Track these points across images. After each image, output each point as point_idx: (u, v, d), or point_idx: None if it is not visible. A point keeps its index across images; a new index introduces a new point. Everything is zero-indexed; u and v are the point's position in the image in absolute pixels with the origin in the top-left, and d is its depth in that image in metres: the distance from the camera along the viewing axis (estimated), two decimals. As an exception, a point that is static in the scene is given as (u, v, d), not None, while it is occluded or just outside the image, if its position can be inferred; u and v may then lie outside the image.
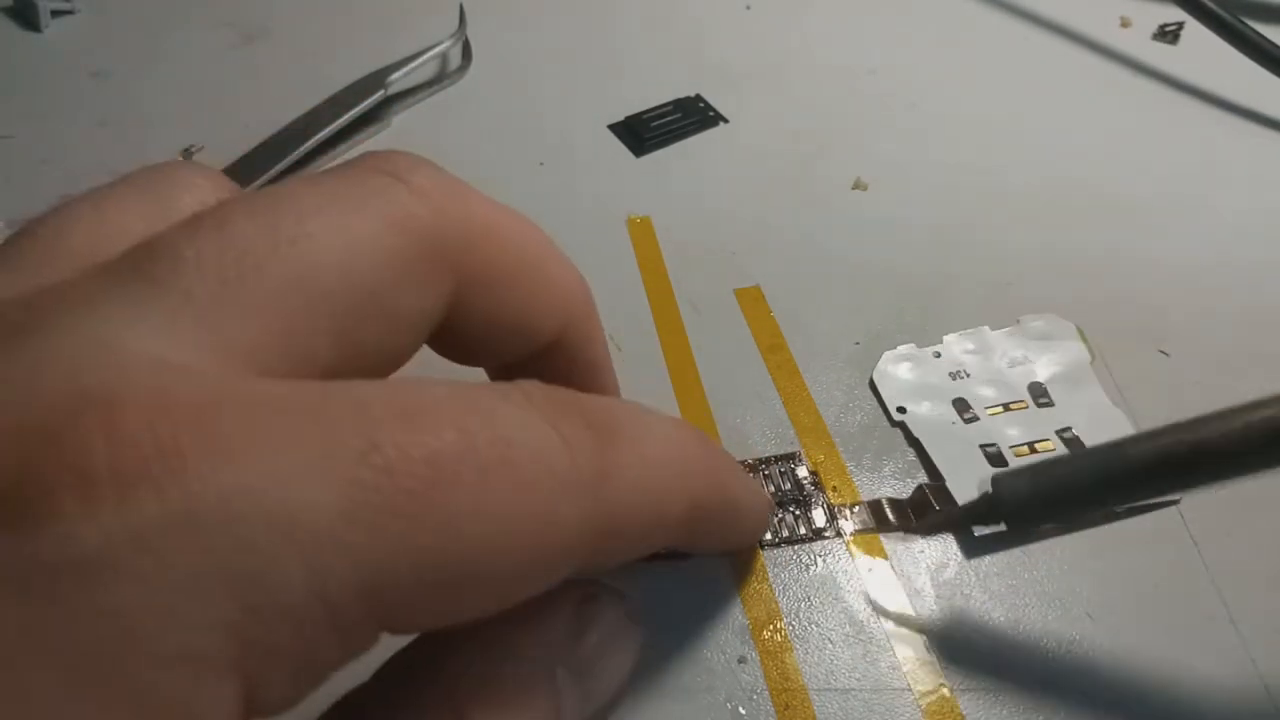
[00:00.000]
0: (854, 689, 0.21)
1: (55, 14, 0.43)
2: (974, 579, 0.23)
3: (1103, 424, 0.26)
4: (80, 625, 0.09)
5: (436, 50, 0.39)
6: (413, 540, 0.11)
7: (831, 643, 0.22)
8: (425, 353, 0.16)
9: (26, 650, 0.09)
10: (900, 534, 0.24)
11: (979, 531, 0.23)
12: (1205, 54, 0.40)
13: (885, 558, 0.23)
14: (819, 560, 0.23)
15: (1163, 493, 0.22)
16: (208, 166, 0.16)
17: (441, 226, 0.14)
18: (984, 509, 0.22)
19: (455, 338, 0.16)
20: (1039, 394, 0.27)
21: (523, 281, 0.16)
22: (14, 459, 0.09)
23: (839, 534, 0.24)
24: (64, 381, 0.10)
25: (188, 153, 0.35)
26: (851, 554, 0.23)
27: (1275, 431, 0.17)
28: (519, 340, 0.17)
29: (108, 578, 0.09)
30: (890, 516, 0.24)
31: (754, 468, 0.25)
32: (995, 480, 0.22)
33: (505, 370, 0.18)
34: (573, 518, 0.13)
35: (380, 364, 0.14)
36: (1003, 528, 0.23)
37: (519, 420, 0.12)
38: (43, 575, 0.09)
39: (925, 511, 0.24)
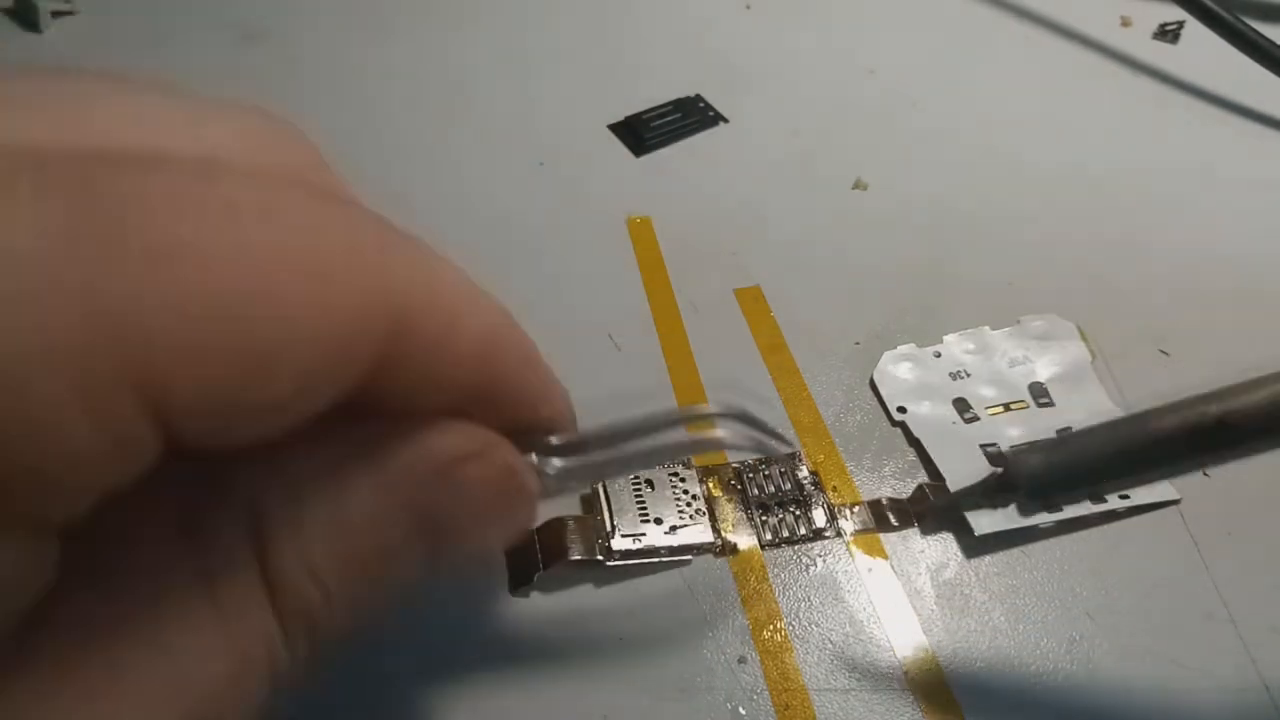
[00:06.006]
0: (854, 689, 0.21)
1: (55, 14, 0.43)
2: (974, 579, 0.23)
3: (1103, 424, 0.26)
4: None
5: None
6: (152, 282, 0.09)
7: (831, 643, 0.22)
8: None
9: None
10: (900, 533, 0.24)
11: (980, 530, 0.23)
12: (1205, 53, 0.40)
13: (885, 558, 0.23)
14: (819, 560, 0.23)
15: (1187, 467, 0.20)
16: None
17: None
18: (992, 488, 0.22)
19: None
20: (1039, 394, 0.27)
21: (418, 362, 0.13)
22: None
23: (839, 534, 0.24)
24: None
25: (188, 153, 0.35)
26: (851, 554, 0.23)
27: None
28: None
29: None
30: (890, 517, 0.24)
31: (754, 467, 0.25)
32: (1008, 457, 0.22)
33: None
34: (352, 290, 0.11)
35: None
36: (1012, 509, 0.23)
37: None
38: None
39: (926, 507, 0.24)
